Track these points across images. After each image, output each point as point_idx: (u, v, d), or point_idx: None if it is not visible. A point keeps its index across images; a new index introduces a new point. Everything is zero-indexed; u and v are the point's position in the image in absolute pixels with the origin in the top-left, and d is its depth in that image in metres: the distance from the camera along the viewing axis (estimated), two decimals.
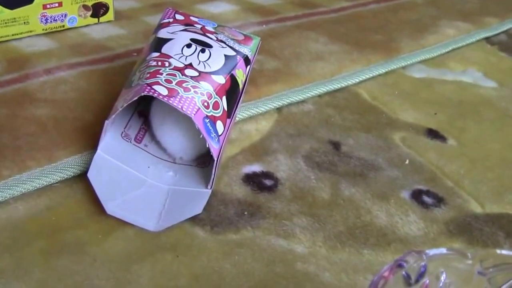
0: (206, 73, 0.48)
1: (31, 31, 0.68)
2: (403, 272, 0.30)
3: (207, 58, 0.50)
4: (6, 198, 0.45)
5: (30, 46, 0.67)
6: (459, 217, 0.49)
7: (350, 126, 0.59)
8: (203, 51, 0.50)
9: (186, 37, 0.51)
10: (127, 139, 0.50)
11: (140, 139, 0.50)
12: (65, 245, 0.42)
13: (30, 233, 0.43)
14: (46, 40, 0.68)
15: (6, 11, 0.65)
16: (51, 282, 0.39)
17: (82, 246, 0.42)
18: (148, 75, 0.46)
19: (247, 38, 0.57)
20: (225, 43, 0.53)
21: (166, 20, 0.55)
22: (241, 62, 0.52)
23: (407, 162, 0.55)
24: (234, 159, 0.53)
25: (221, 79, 0.49)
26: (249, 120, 0.58)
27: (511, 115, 0.65)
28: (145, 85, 0.45)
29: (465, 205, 0.50)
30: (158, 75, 0.46)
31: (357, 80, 0.67)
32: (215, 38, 0.53)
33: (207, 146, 0.45)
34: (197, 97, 0.46)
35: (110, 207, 0.44)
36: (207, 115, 0.46)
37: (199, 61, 0.49)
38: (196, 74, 0.48)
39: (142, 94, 0.44)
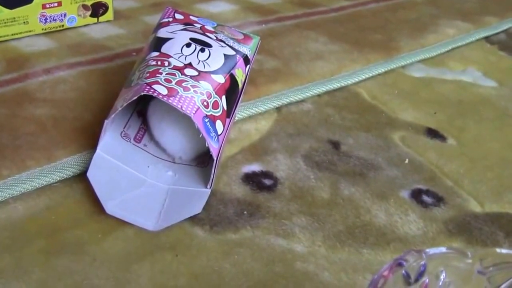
0: (206, 72, 0.48)
1: (30, 31, 0.68)
2: (403, 271, 0.30)
3: (207, 57, 0.50)
4: (5, 198, 0.45)
5: (30, 45, 0.67)
6: (458, 216, 0.49)
7: (350, 126, 0.59)
8: (202, 50, 0.50)
9: (186, 36, 0.51)
10: (126, 139, 0.50)
11: (139, 138, 0.50)
12: (65, 244, 0.42)
13: (30, 233, 0.43)
14: (45, 39, 0.68)
15: (6, 10, 0.65)
16: (50, 282, 0.39)
17: (82, 246, 0.42)
18: (148, 74, 0.46)
19: (247, 37, 0.57)
20: (224, 42, 0.53)
21: (166, 20, 0.55)
22: (240, 61, 0.52)
23: (406, 161, 0.55)
24: (233, 159, 0.53)
25: (220, 79, 0.49)
26: (249, 119, 0.58)
27: (511, 114, 0.65)
28: (145, 84, 0.45)
29: (464, 205, 0.50)
30: (157, 75, 0.46)
31: (357, 80, 0.67)
32: (215, 38, 0.53)
33: (207, 145, 0.45)
34: (197, 97, 0.46)
35: (110, 207, 0.44)
36: (206, 115, 0.45)
37: (199, 61, 0.49)
38: (196, 73, 0.48)
39: (142, 93, 0.44)
